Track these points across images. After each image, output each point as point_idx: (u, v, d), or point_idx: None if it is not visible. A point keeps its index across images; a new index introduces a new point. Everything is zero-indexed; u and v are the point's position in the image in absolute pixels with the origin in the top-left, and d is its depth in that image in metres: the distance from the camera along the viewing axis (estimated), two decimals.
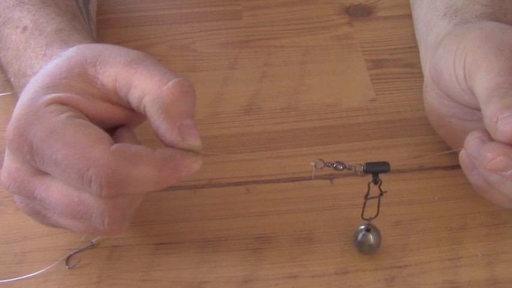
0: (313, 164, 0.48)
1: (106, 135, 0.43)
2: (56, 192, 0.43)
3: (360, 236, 0.50)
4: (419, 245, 0.52)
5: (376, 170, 0.47)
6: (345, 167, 0.47)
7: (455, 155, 0.50)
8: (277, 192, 0.55)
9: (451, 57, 0.50)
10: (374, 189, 0.48)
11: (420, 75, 0.59)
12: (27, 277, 0.49)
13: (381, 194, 0.48)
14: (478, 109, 0.47)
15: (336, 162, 0.48)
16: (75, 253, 0.50)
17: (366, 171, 0.47)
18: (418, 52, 0.62)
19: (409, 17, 0.67)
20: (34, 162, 0.42)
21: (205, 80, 0.62)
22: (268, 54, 0.65)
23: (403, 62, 0.64)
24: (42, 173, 0.43)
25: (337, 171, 0.48)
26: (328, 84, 0.62)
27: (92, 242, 0.51)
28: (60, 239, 0.51)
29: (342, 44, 0.66)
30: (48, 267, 0.50)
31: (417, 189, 0.55)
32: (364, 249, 0.50)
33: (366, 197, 0.48)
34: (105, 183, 0.41)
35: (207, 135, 0.58)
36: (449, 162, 0.55)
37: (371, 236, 0.50)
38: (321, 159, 0.47)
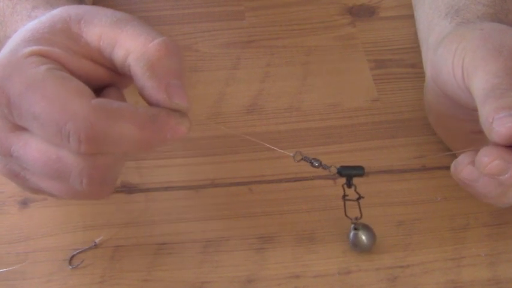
0: (292, 155, 0.48)
1: (87, 89, 0.41)
2: (33, 149, 0.42)
3: (350, 235, 0.51)
4: (422, 244, 0.52)
5: (350, 173, 0.48)
6: (320, 165, 0.48)
7: (458, 155, 0.50)
8: (279, 192, 0.55)
9: (450, 57, 0.50)
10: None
11: (423, 75, 0.59)
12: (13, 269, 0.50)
13: (359, 197, 0.49)
14: (476, 109, 0.46)
15: (313, 158, 0.48)
16: (78, 253, 0.51)
17: (340, 175, 0.48)
18: (420, 52, 0.62)
19: (412, 17, 0.67)
20: (12, 116, 0.41)
21: (208, 80, 0.62)
22: (271, 55, 0.65)
23: (406, 62, 0.64)
24: (20, 128, 0.42)
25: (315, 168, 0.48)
26: (330, 84, 0.62)
27: (95, 242, 0.51)
28: (63, 239, 0.51)
29: (345, 44, 0.66)
30: None
31: (419, 189, 0.55)
32: (354, 247, 0.51)
33: (344, 197, 0.49)
34: (84, 138, 0.39)
35: (210, 135, 0.58)
36: (452, 162, 0.55)
37: (362, 235, 0.50)
38: (300, 152, 0.48)
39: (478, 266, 0.51)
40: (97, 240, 0.51)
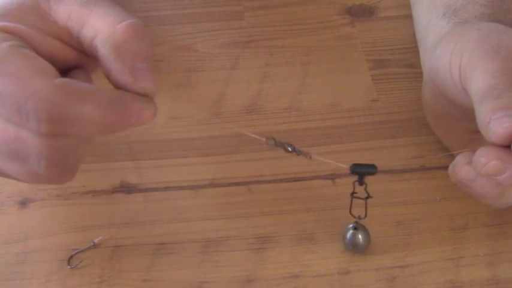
0: (264, 140, 0.48)
1: (51, 68, 0.40)
2: None
3: (348, 235, 0.51)
4: (421, 244, 0.52)
5: (361, 171, 0.48)
6: (294, 150, 0.48)
7: (457, 155, 0.50)
8: (279, 192, 0.55)
9: (448, 57, 0.50)
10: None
11: (422, 75, 0.59)
12: None
13: (367, 197, 0.49)
14: (473, 109, 0.46)
15: (286, 143, 0.48)
16: (77, 253, 0.51)
17: (352, 172, 0.48)
18: (419, 52, 0.62)
19: (411, 17, 0.67)
20: None
21: (207, 80, 0.62)
22: (270, 55, 0.65)
23: (405, 62, 0.64)
24: None
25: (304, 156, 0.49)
26: (330, 84, 0.62)
27: (94, 242, 0.51)
28: (62, 239, 0.51)
29: (344, 44, 0.66)
30: None
31: (419, 189, 0.55)
32: (351, 247, 0.51)
33: (352, 194, 0.49)
34: (45, 118, 0.38)
35: (209, 136, 0.58)
36: (451, 163, 0.55)
37: (359, 236, 0.50)
38: (273, 138, 0.48)
39: (477, 266, 0.51)
40: (96, 240, 0.51)
